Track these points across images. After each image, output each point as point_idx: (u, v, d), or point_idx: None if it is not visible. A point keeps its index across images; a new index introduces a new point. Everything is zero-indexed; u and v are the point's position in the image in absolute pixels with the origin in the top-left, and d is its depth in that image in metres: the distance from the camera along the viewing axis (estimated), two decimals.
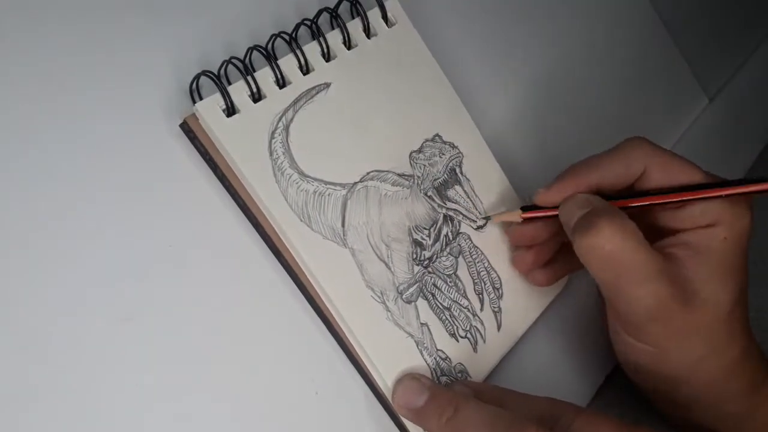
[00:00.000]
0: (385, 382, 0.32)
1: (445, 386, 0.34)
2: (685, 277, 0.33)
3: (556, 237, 0.37)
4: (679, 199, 0.33)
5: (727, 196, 0.33)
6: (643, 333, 0.33)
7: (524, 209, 0.36)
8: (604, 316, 0.37)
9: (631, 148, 0.35)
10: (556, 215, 0.35)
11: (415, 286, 0.34)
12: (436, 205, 0.36)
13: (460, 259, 0.36)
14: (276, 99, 0.32)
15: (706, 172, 0.34)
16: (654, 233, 0.34)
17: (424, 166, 0.36)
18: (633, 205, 0.34)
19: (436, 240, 0.35)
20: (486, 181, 0.38)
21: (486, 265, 0.37)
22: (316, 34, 0.34)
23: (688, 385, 0.35)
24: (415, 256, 0.35)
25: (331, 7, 0.34)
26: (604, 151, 0.35)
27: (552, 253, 0.38)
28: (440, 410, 0.31)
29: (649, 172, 0.34)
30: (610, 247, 0.31)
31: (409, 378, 0.32)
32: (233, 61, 0.31)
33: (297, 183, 0.32)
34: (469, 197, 0.37)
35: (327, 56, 0.34)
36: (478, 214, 0.37)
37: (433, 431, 0.31)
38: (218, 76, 0.30)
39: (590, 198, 0.34)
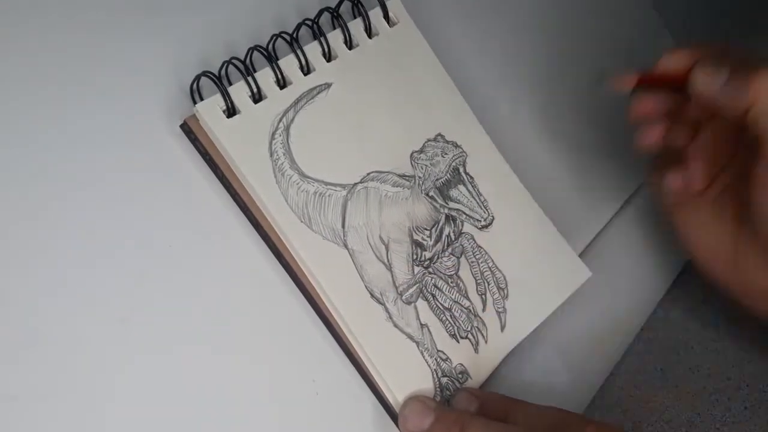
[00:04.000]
0: (386, 382, 0.32)
1: (450, 407, 0.33)
2: None
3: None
4: None
5: None
6: None
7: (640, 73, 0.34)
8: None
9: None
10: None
11: (414, 287, 0.34)
12: (438, 206, 0.36)
13: (463, 259, 0.36)
14: (277, 99, 0.32)
15: None
16: None
17: (426, 166, 0.36)
18: None
19: (437, 240, 0.35)
20: (493, 178, 0.38)
21: (490, 264, 0.37)
22: (317, 34, 0.33)
23: None
24: (415, 256, 0.34)
25: (333, 6, 0.34)
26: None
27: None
28: (446, 431, 0.31)
29: None
30: None
31: (413, 401, 0.32)
32: (234, 61, 0.31)
33: (297, 184, 0.32)
34: (473, 196, 0.37)
35: (328, 56, 0.34)
36: (483, 213, 0.37)
37: None
38: (219, 77, 0.30)
39: (722, 60, 0.31)
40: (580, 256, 0.44)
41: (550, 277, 0.38)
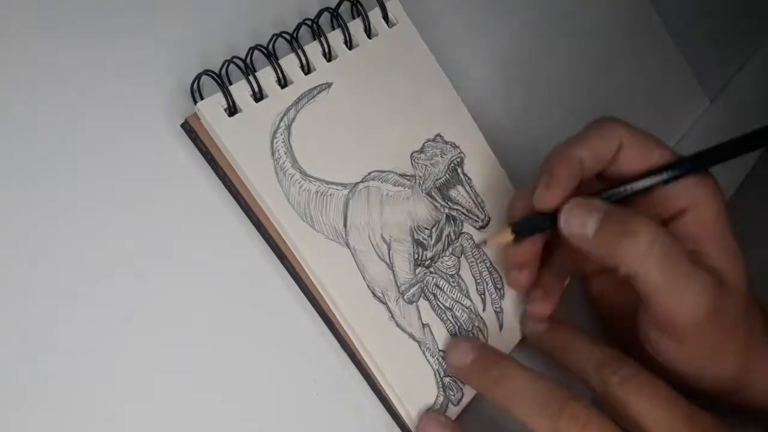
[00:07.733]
0: (388, 382, 0.32)
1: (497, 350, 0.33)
2: (708, 262, 0.31)
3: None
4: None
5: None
6: (692, 333, 0.30)
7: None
8: (605, 322, 0.37)
9: (605, 129, 0.33)
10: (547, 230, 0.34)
11: (416, 287, 0.34)
12: (438, 205, 0.36)
13: (463, 259, 0.36)
14: (277, 98, 0.32)
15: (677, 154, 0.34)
16: None
17: (426, 166, 0.36)
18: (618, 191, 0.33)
19: (437, 240, 0.35)
20: (488, 180, 0.38)
21: (488, 265, 0.37)
22: (317, 33, 0.34)
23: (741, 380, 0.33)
24: (416, 256, 0.34)
25: (332, 7, 0.34)
26: (576, 135, 0.34)
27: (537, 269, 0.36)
28: (486, 370, 0.32)
29: (625, 150, 0.33)
30: (660, 244, 0.28)
31: (461, 339, 0.34)
32: (235, 60, 0.31)
33: (299, 183, 0.31)
34: (470, 197, 0.37)
35: (328, 56, 0.34)
36: (479, 214, 0.37)
37: (481, 390, 0.32)
38: (220, 76, 0.30)
39: (593, 202, 0.31)
40: None
41: None
